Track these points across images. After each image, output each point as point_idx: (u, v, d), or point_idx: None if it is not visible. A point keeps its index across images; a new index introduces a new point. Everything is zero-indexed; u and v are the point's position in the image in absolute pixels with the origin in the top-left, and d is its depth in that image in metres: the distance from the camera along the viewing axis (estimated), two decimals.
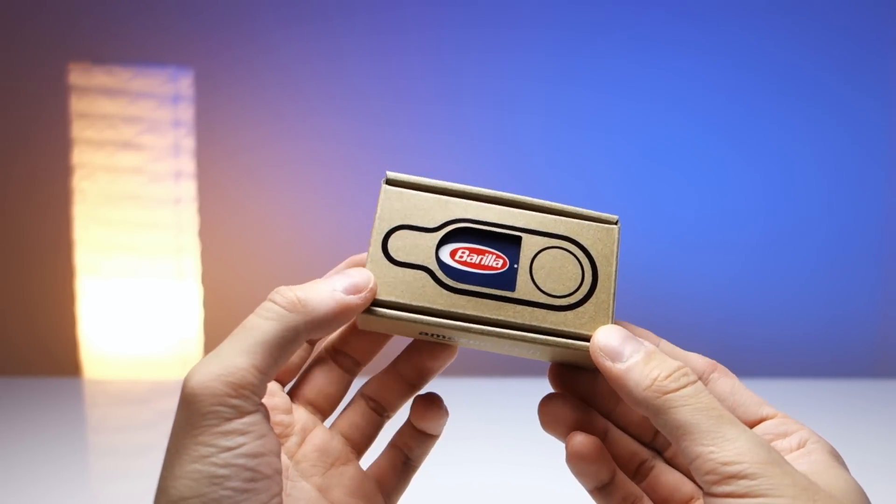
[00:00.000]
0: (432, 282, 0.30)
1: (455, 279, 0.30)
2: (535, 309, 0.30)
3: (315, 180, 1.37)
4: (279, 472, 0.27)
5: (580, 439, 0.32)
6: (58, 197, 1.30)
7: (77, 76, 1.12)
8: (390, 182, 0.32)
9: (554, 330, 0.30)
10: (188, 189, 1.20)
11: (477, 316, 0.30)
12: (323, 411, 0.34)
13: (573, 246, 0.32)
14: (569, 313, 0.30)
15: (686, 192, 1.39)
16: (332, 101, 1.35)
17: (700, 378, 0.30)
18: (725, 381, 0.31)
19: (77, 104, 1.13)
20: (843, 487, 0.27)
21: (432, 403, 0.34)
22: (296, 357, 0.34)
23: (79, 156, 1.15)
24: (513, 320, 0.30)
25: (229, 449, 0.25)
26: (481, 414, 0.83)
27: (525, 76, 1.36)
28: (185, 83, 1.16)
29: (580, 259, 0.31)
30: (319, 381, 0.34)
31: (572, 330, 0.30)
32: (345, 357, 0.34)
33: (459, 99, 1.36)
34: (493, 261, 0.31)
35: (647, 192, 1.39)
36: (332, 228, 1.38)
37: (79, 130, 1.14)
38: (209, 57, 1.32)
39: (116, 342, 1.20)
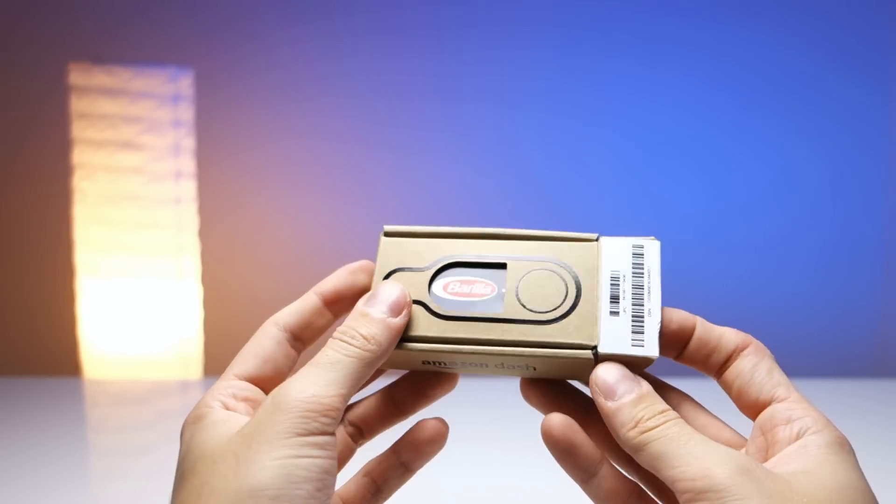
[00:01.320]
0: (426, 313, 0.33)
1: (447, 308, 0.33)
2: (522, 325, 0.32)
3: (315, 180, 1.37)
4: (331, 494, 0.28)
5: (554, 419, 0.32)
6: (58, 197, 1.30)
7: (77, 76, 1.12)
8: (387, 234, 0.36)
9: (540, 342, 0.32)
10: (188, 189, 1.20)
11: (467, 338, 0.32)
12: None
13: (556, 266, 0.34)
14: (554, 325, 0.32)
15: (686, 190, 1.39)
16: (332, 100, 1.35)
17: (732, 353, 0.31)
18: (750, 359, 0.31)
19: (77, 104, 1.13)
20: (831, 485, 0.26)
21: (438, 433, 0.33)
22: (286, 361, 0.34)
23: (79, 156, 1.15)
24: (501, 338, 0.32)
25: (311, 457, 0.27)
26: (476, 415, 0.83)
27: (525, 75, 1.36)
28: (185, 83, 1.16)
29: (563, 277, 0.33)
30: None
31: (557, 340, 0.32)
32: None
33: (459, 98, 1.36)
34: (482, 288, 0.33)
35: (647, 190, 1.39)
36: (332, 228, 1.38)
37: (79, 130, 1.14)
38: (209, 57, 1.32)
39: (116, 342, 1.20)
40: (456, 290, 0.33)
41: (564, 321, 0.32)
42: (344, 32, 1.34)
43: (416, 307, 0.33)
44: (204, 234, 1.27)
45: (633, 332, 0.31)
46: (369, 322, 0.31)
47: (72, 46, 1.31)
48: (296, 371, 0.30)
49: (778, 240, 1.41)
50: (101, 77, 1.12)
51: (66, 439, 0.82)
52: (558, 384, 0.34)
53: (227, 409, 0.30)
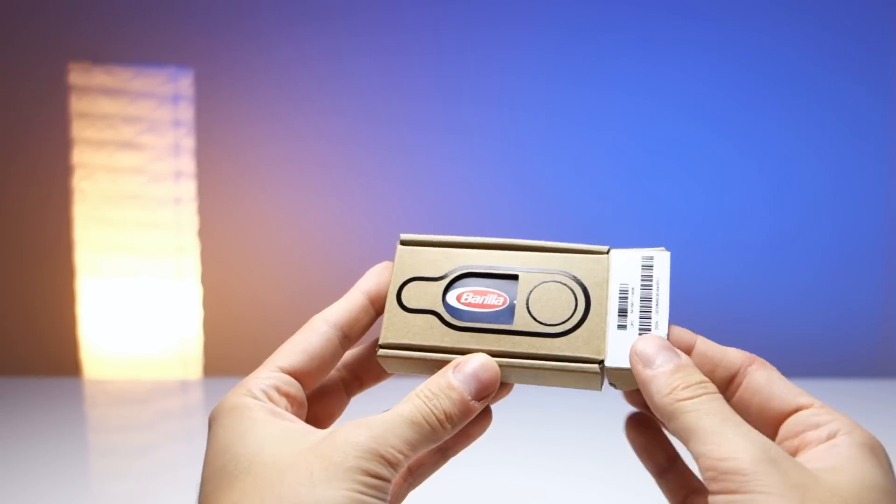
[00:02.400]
0: (440, 323, 0.33)
1: (460, 319, 0.33)
2: (532, 338, 0.33)
3: (315, 180, 1.37)
4: None
5: (636, 417, 0.34)
6: (58, 197, 1.30)
7: (77, 76, 1.12)
8: (403, 242, 0.36)
9: (549, 355, 0.32)
10: (188, 189, 1.20)
11: (478, 349, 0.33)
12: (322, 424, 0.35)
13: (567, 278, 0.34)
14: (563, 339, 0.33)
15: (687, 191, 1.39)
16: (332, 100, 1.35)
17: (738, 371, 0.31)
18: (763, 372, 0.31)
19: (77, 104, 1.13)
20: (860, 483, 0.26)
21: (484, 417, 0.34)
22: (332, 359, 0.34)
23: (79, 156, 1.15)
24: (511, 350, 0.33)
25: (374, 497, 0.28)
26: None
27: (526, 75, 1.36)
28: (185, 83, 1.16)
29: (573, 289, 0.34)
30: (325, 397, 0.35)
31: (566, 354, 0.32)
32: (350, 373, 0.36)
33: (459, 98, 1.36)
34: (494, 299, 0.34)
35: (648, 190, 1.39)
36: (332, 228, 1.38)
37: (79, 130, 1.14)
38: (209, 57, 1.32)
39: (116, 342, 1.20)
40: (469, 301, 0.34)
41: (573, 334, 0.32)
42: (344, 33, 1.34)
43: (429, 317, 0.34)
44: (204, 234, 1.27)
45: None
46: (453, 403, 0.31)
47: (72, 46, 1.31)
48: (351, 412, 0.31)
49: (778, 240, 1.41)
50: (100, 77, 1.12)
51: (66, 439, 0.82)
52: None
53: (271, 401, 0.30)
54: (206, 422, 0.31)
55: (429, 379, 0.31)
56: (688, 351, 0.32)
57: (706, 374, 0.32)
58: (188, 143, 1.18)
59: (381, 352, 0.33)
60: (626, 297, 0.33)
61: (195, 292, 1.23)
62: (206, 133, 1.31)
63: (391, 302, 0.34)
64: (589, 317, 0.33)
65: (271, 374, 0.31)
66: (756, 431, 0.27)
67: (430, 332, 0.33)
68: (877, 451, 0.28)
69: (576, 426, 0.86)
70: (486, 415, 0.34)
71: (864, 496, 0.26)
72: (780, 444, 0.30)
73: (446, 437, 0.31)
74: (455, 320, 0.33)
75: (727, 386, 0.32)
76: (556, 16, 1.35)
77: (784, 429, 0.30)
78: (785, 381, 0.31)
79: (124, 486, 0.71)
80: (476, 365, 0.32)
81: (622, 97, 1.37)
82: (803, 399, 0.30)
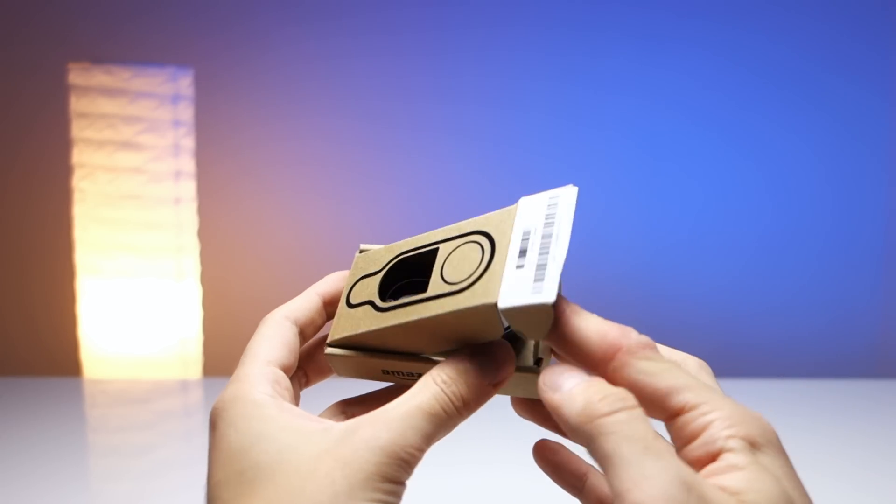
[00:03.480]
0: (372, 310, 0.34)
1: (387, 301, 0.34)
2: (442, 299, 0.31)
3: (315, 180, 1.37)
4: None
5: (542, 443, 0.35)
6: (58, 197, 1.30)
7: (77, 76, 1.12)
8: (361, 251, 0.37)
9: (454, 310, 0.31)
10: (188, 189, 1.20)
11: (396, 323, 0.32)
12: None
13: (479, 236, 0.33)
14: (466, 292, 0.31)
15: (686, 191, 1.39)
16: (332, 100, 1.35)
17: (600, 365, 0.28)
18: (624, 373, 0.27)
19: (77, 104, 1.13)
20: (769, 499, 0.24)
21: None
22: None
23: (79, 156, 1.15)
24: (421, 316, 0.32)
25: (391, 503, 0.28)
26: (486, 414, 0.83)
27: (524, 75, 1.36)
28: (185, 83, 1.16)
29: (483, 245, 0.33)
30: None
31: (464, 306, 0.30)
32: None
33: (459, 98, 1.36)
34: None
35: (646, 190, 1.39)
36: (332, 228, 1.38)
37: (78, 130, 1.14)
38: (209, 57, 1.32)
39: (116, 342, 1.20)
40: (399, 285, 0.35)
41: (475, 286, 0.31)
42: (344, 33, 1.34)
43: (365, 307, 0.34)
44: (204, 234, 1.27)
45: (534, 282, 0.29)
46: (471, 388, 0.30)
47: (72, 46, 1.31)
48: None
49: (777, 240, 1.41)
50: (100, 77, 1.12)
51: (66, 439, 0.82)
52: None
53: (279, 396, 0.30)
54: (207, 421, 0.31)
55: (444, 362, 0.31)
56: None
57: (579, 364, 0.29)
58: (188, 143, 1.18)
59: (328, 350, 0.34)
60: (528, 239, 0.31)
61: (195, 292, 1.23)
62: (206, 133, 1.31)
63: (341, 303, 0.35)
64: (490, 266, 0.31)
65: (267, 369, 0.31)
66: (678, 463, 0.24)
67: (363, 320, 0.33)
68: (758, 446, 0.25)
69: None
70: None
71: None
72: (680, 452, 0.27)
73: (459, 424, 0.30)
74: (383, 304, 0.33)
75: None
76: (556, 16, 1.35)
77: (673, 439, 0.27)
78: (650, 378, 0.27)
79: (124, 486, 0.71)
80: (498, 349, 0.31)
81: (622, 97, 1.37)
82: (673, 402, 0.26)
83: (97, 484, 0.74)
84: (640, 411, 0.25)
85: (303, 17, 1.33)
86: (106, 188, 1.15)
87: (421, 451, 0.28)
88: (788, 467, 0.26)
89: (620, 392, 0.26)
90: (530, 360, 0.33)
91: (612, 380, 0.27)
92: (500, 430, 0.81)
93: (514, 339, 0.33)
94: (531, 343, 0.33)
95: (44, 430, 0.84)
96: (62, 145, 1.23)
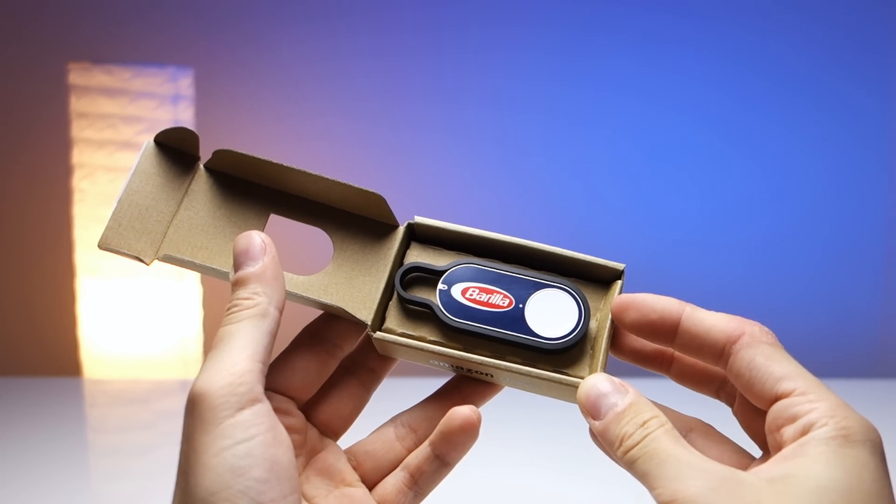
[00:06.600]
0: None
1: (457, 315, 0.33)
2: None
3: None
4: (294, 465, 0.27)
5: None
6: (58, 197, 1.30)
7: (77, 76, 1.12)
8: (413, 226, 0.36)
9: (547, 370, 0.32)
10: None
11: (480, 360, 0.32)
12: (335, 430, 0.35)
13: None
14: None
15: (686, 191, 1.39)
16: (332, 101, 1.35)
17: (722, 352, 0.30)
18: (745, 353, 0.30)
19: (77, 104, 1.13)
20: (810, 488, 0.25)
21: (468, 421, 0.32)
22: (314, 373, 0.34)
23: (79, 155, 1.15)
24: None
25: (245, 441, 0.26)
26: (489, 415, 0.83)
27: (525, 75, 1.36)
28: (185, 83, 1.16)
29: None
30: (334, 400, 0.35)
31: (566, 371, 0.33)
32: (360, 367, 0.36)
33: (459, 99, 1.36)
34: (500, 300, 0.33)
35: (646, 191, 1.39)
36: None
37: (78, 130, 1.14)
38: (209, 57, 1.32)
39: (116, 342, 1.20)
40: (473, 297, 0.33)
41: (573, 351, 0.33)
42: (344, 33, 1.34)
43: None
44: None
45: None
46: (244, 285, 0.31)
47: (72, 46, 1.31)
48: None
49: (777, 240, 1.41)
50: (100, 77, 1.12)
51: (66, 439, 0.82)
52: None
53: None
54: None
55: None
56: (673, 329, 0.31)
57: (693, 356, 0.31)
58: None
59: (379, 334, 0.33)
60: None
61: (195, 292, 1.23)
62: (206, 133, 1.31)
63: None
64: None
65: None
66: (700, 459, 0.26)
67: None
68: (851, 440, 0.26)
69: (576, 426, 0.86)
70: (472, 422, 0.33)
71: (814, 500, 0.24)
72: (768, 435, 0.28)
73: (274, 311, 0.31)
74: (451, 315, 0.33)
75: (716, 363, 0.31)
76: (555, 16, 1.35)
77: (768, 420, 0.28)
78: (768, 361, 0.29)
79: (124, 486, 0.71)
80: (234, 248, 0.33)
81: (621, 97, 1.37)
82: (783, 386, 0.28)
83: (97, 484, 0.74)
84: (662, 431, 0.27)
85: (303, 17, 1.33)
86: (106, 188, 1.15)
87: (239, 369, 0.28)
88: (878, 470, 0.26)
89: (645, 418, 0.28)
90: (585, 372, 0.33)
91: (732, 363, 0.30)
92: (500, 429, 0.81)
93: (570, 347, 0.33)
94: (589, 357, 0.33)
95: (44, 430, 0.84)
96: (62, 145, 1.22)
